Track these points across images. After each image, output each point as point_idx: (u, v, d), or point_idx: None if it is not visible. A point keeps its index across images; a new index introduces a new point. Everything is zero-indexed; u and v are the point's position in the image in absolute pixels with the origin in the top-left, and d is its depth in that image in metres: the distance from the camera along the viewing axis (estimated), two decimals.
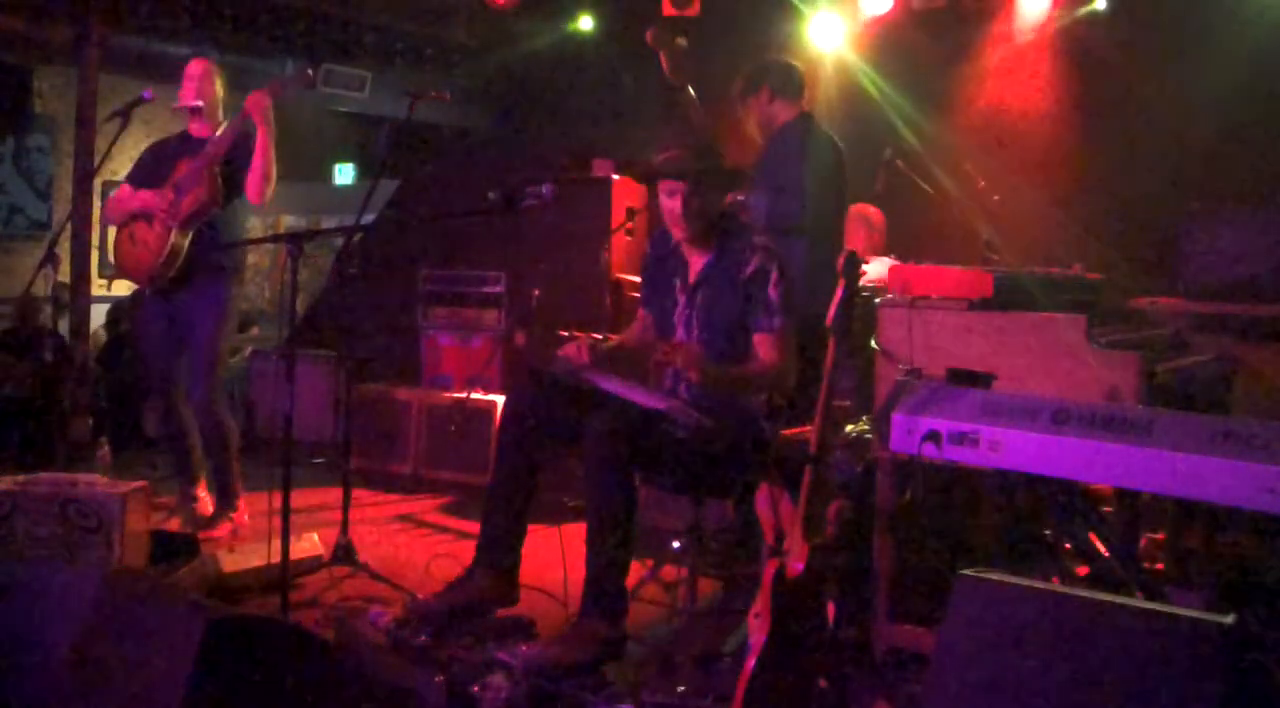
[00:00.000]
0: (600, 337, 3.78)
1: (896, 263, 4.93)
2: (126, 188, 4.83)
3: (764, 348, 3.52)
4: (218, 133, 4.65)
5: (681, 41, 4.51)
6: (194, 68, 4.75)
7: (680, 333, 3.67)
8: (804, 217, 4.33)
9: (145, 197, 4.68)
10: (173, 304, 4.75)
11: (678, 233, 3.62)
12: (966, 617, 2.35)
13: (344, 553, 4.19)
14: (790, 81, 4.57)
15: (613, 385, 3.44)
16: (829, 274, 4.43)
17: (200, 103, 4.70)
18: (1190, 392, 3.44)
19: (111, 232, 4.97)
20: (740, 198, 4.46)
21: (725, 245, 3.61)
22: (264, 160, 4.58)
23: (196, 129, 4.74)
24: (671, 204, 3.56)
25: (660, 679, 3.24)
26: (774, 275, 3.52)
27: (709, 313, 3.60)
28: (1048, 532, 3.42)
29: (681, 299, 3.67)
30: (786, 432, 3.81)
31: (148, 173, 4.80)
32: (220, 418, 4.80)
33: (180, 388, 4.78)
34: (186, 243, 4.62)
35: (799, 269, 4.38)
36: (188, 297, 4.71)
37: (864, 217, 5.22)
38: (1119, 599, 2.27)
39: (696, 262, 3.65)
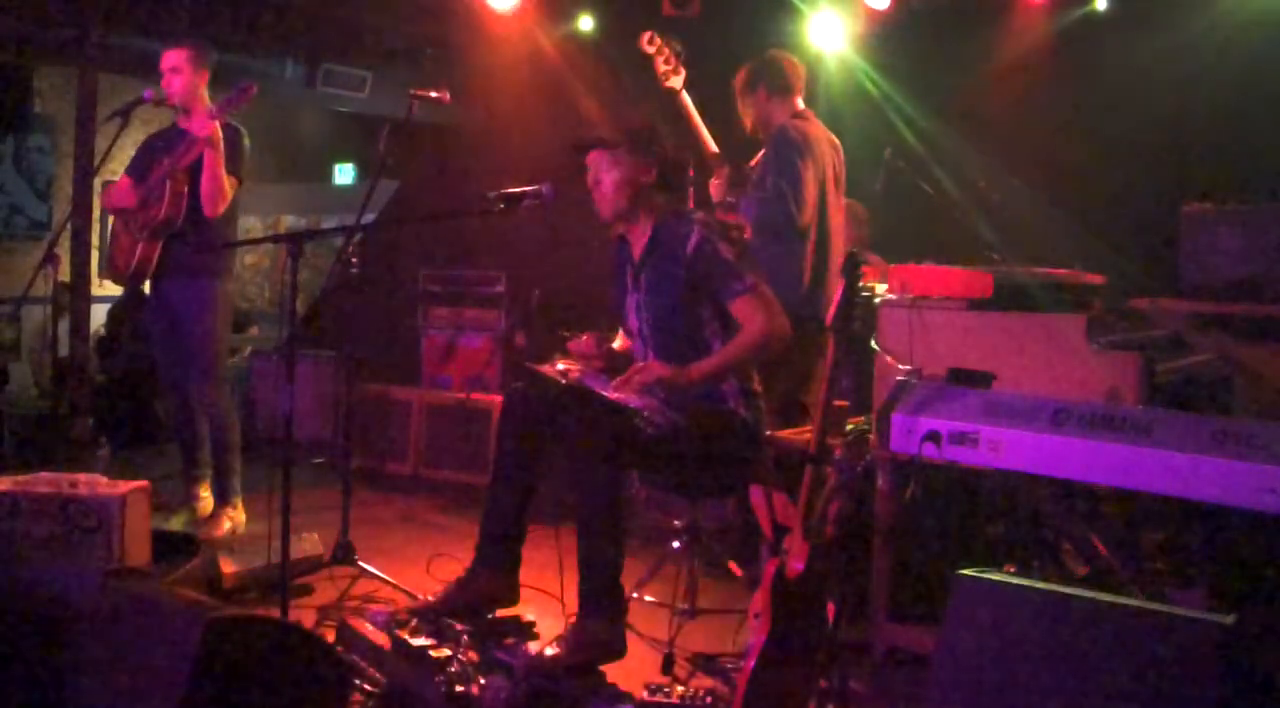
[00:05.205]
0: (604, 336, 3.77)
1: (876, 258, 4.93)
2: (126, 180, 4.88)
3: (744, 313, 3.42)
4: (183, 142, 4.65)
5: (675, 46, 4.50)
6: (164, 60, 4.75)
7: (633, 320, 3.67)
8: (801, 217, 4.32)
9: (125, 202, 4.76)
10: (167, 304, 4.79)
11: (601, 212, 3.61)
12: (966, 617, 2.35)
13: (344, 553, 4.19)
14: (786, 79, 4.55)
15: (596, 383, 3.45)
16: (829, 274, 4.47)
17: (171, 98, 4.71)
18: (1190, 392, 3.43)
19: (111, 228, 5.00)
20: (730, 200, 4.46)
21: (663, 224, 3.58)
22: (210, 181, 4.58)
23: (182, 121, 4.76)
24: (590, 181, 3.57)
25: (660, 679, 3.24)
26: (718, 241, 3.46)
27: (652, 294, 3.58)
28: (1048, 532, 3.41)
29: (629, 284, 3.67)
30: (784, 432, 3.81)
31: (141, 166, 4.86)
32: (223, 415, 4.83)
33: (191, 386, 4.80)
34: (155, 253, 4.68)
35: (798, 270, 4.40)
36: (179, 296, 4.76)
37: (849, 212, 5.20)
38: (1119, 599, 2.27)
39: (638, 246, 3.64)
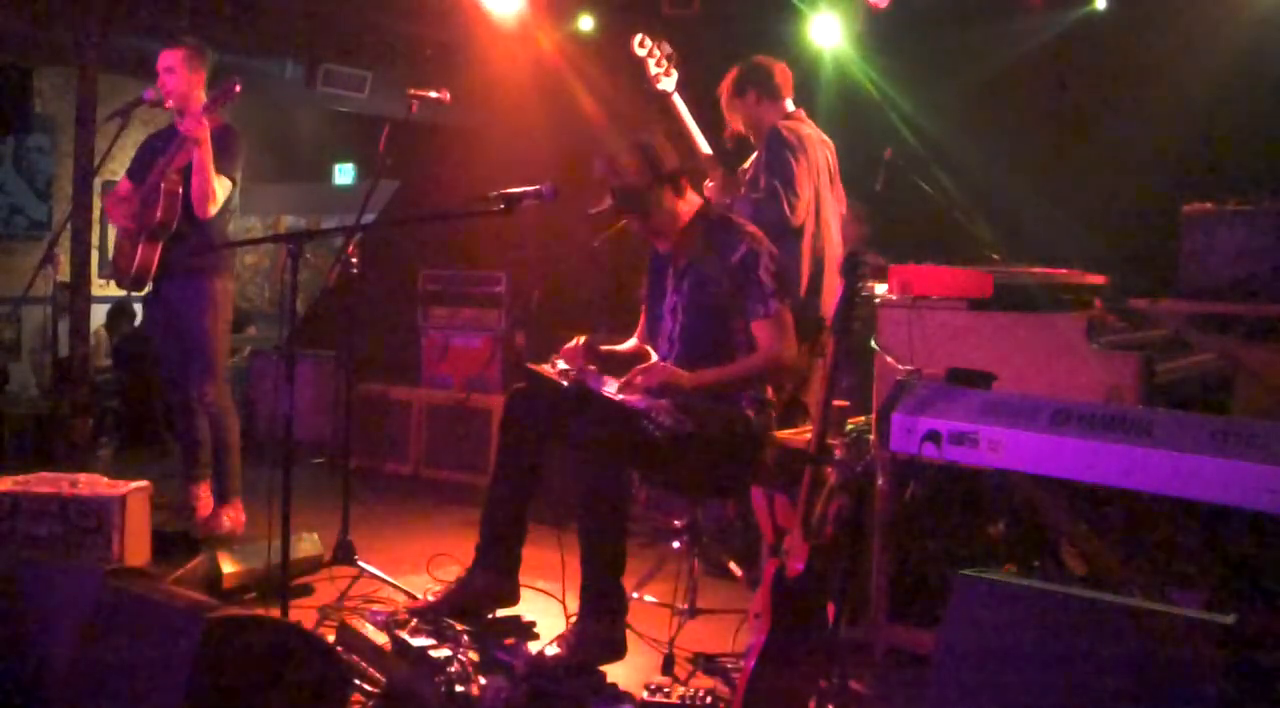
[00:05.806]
0: (591, 338, 3.77)
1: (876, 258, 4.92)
2: (126, 183, 4.89)
3: (762, 334, 3.50)
4: (175, 143, 4.65)
5: (667, 48, 4.48)
6: (160, 61, 4.74)
7: (668, 322, 3.69)
8: (795, 217, 4.32)
9: (123, 211, 4.76)
10: (167, 304, 4.79)
11: (660, 246, 3.72)
12: (966, 617, 2.35)
13: (344, 553, 4.19)
14: (775, 82, 4.53)
15: (600, 384, 3.45)
16: (825, 273, 4.47)
17: (167, 98, 4.70)
18: (1190, 392, 3.44)
19: (112, 230, 5.00)
20: (726, 201, 4.46)
21: (711, 233, 3.62)
22: (199, 180, 4.57)
23: (179, 122, 4.75)
24: (636, 228, 3.66)
25: (660, 679, 3.24)
26: (764, 259, 3.52)
27: (694, 298, 3.61)
28: (1048, 532, 3.42)
29: (669, 288, 3.70)
30: (784, 432, 3.81)
31: (140, 168, 4.86)
32: (223, 414, 4.82)
33: (191, 386, 4.81)
34: (156, 255, 4.68)
35: (794, 270, 4.39)
36: (179, 296, 4.76)
37: (849, 212, 5.19)
38: (1119, 599, 2.27)
39: (683, 253, 3.68)
